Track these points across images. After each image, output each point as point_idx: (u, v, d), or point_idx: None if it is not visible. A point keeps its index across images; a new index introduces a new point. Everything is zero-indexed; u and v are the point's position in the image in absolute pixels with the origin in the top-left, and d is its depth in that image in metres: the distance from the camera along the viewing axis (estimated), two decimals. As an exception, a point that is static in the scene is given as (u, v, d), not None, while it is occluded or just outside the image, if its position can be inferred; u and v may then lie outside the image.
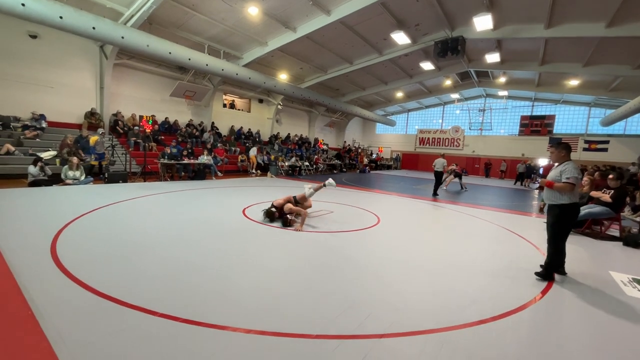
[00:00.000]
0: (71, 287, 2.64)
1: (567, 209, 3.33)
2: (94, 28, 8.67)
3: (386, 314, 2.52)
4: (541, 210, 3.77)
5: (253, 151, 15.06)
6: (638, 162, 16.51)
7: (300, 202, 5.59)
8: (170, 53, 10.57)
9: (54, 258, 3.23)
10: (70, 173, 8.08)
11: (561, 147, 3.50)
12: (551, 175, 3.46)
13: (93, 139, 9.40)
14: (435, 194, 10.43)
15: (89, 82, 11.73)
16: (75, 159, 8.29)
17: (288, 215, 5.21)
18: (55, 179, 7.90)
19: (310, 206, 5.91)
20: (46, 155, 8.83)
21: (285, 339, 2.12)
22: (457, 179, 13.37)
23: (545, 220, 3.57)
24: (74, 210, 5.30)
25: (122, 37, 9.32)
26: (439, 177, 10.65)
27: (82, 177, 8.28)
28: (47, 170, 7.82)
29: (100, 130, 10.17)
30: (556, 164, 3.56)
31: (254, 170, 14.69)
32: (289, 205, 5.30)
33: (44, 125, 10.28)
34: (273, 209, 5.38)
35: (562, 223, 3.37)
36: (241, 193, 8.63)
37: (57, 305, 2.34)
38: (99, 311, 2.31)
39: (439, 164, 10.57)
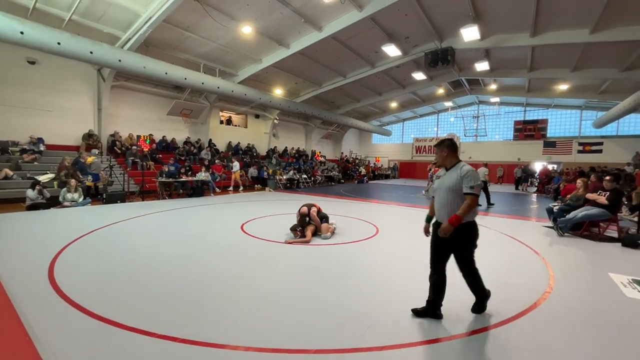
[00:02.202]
0: (69, 311, 2.63)
1: (475, 226, 2.62)
2: (91, 52, 8.86)
3: (386, 325, 2.51)
4: (427, 232, 2.86)
5: (236, 166, 13.54)
6: (633, 162, 16.67)
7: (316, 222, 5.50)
8: (166, 73, 10.77)
9: (52, 282, 3.21)
10: (69, 195, 8.08)
11: (443, 146, 2.70)
12: (445, 183, 2.62)
13: (89, 159, 9.46)
14: (490, 203, 10.23)
15: (87, 105, 11.88)
16: (73, 181, 8.32)
17: (300, 229, 5.22)
18: (53, 202, 7.90)
19: (311, 237, 5.38)
20: (44, 178, 8.85)
21: (285, 355, 2.10)
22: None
23: (439, 241, 2.64)
24: (71, 232, 5.29)
25: (119, 60, 9.52)
26: (483, 188, 10.43)
27: (80, 199, 8.28)
28: (45, 193, 7.83)
29: (95, 151, 10.21)
30: (442, 169, 2.76)
31: (233, 187, 13.15)
32: (316, 219, 5.40)
33: (42, 148, 10.34)
34: (307, 218, 5.43)
35: (473, 243, 2.63)
36: (239, 209, 8.63)
37: (55, 330, 2.33)
38: (98, 335, 2.30)
39: (481, 173, 10.35)
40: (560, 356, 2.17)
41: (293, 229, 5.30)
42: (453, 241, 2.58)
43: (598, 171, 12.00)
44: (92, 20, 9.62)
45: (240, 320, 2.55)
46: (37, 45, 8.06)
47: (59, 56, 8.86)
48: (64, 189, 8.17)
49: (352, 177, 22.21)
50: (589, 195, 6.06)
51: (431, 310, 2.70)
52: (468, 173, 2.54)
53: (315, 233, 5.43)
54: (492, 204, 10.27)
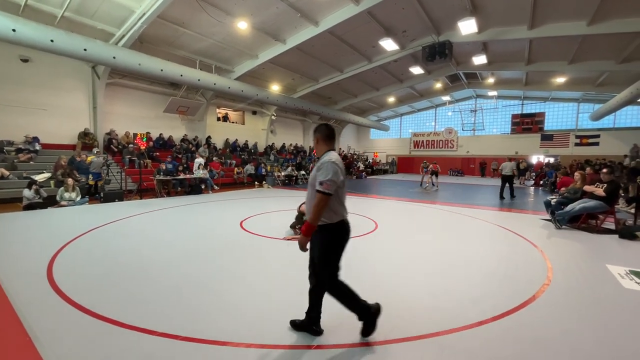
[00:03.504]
0: (69, 311, 2.62)
1: (336, 229, 2.17)
2: (85, 50, 8.75)
3: (386, 320, 2.51)
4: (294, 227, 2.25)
5: (199, 162, 11.98)
6: (630, 155, 16.75)
7: None
8: (162, 70, 10.67)
9: (51, 282, 3.20)
10: (66, 195, 8.03)
11: (316, 133, 2.32)
12: (310, 179, 2.25)
13: (89, 158, 9.41)
14: (502, 197, 10.40)
15: (82, 103, 11.77)
16: (70, 180, 8.26)
17: (299, 226, 5.24)
18: (50, 201, 7.85)
19: None
20: (40, 177, 8.79)
21: (286, 351, 2.11)
22: (433, 177, 14.20)
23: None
24: (69, 232, 5.27)
25: (114, 57, 9.41)
26: (509, 181, 10.56)
27: (78, 198, 8.23)
28: (42, 192, 7.77)
29: (95, 150, 10.15)
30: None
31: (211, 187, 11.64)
32: None
33: (37, 147, 10.26)
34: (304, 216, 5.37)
35: (329, 249, 2.17)
36: (238, 206, 8.62)
37: (55, 330, 2.32)
38: (98, 334, 2.29)
39: (508, 167, 10.52)
40: (559, 348, 2.19)
41: (292, 226, 5.31)
42: (316, 244, 2.18)
43: (594, 164, 12.09)
44: (85, 17, 9.48)
45: (241, 317, 2.55)
46: (29, 42, 7.95)
47: (52, 54, 8.74)
48: (61, 188, 8.11)
49: (350, 173, 22.17)
50: (587, 188, 6.08)
51: (308, 322, 2.31)
52: (322, 165, 2.09)
53: None
54: (503, 199, 10.35)
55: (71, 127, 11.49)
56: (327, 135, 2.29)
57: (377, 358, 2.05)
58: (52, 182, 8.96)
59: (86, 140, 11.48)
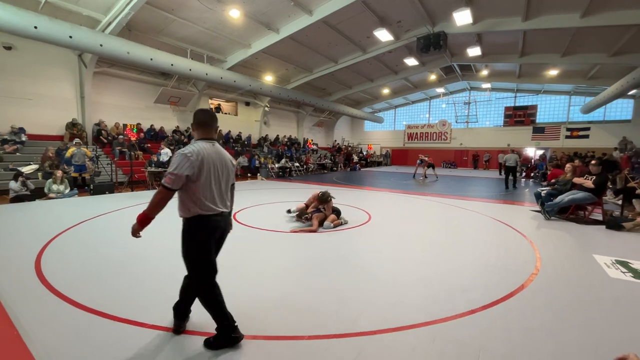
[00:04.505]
0: (58, 304, 2.58)
1: (197, 223, 2.01)
2: (70, 37, 8.46)
3: (378, 310, 2.55)
4: None
5: (166, 154, 10.89)
6: (619, 147, 17.05)
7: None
8: (151, 59, 10.40)
9: (39, 275, 3.14)
10: (55, 187, 7.86)
11: (193, 119, 2.11)
12: None
13: (69, 151, 9.13)
14: (507, 187, 10.80)
15: (69, 92, 11.44)
16: (59, 172, 8.08)
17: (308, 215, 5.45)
18: (38, 194, 7.68)
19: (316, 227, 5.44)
20: (27, 169, 8.57)
21: (278, 342, 2.12)
22: (430, 169, 14.97)
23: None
24: (58, 224, 5.17)
25: (101, 45, 9.12)
26: (513, 172, 10.87)
27: (67, 191, 8.07)
28: (29, 184, 7.59)
29: (76, 141, 9.85)
30: None
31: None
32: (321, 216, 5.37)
33: (23, 138, 9.97)
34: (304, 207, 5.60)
35: (192, 244, 2.03)
36: (232, 197, 8.55)
37: (44, 324, 2.29)
38: (87, 327, 2.27)
39: (512, 159, 10.71)
40: (547, 336, 2.24)
41: (299, 216, 5.52)
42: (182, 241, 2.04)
43: (584, 156, 12.29)
44: (70, 3, 9.11)
45: (234, 309, 2.53)
46: (12, 29, 7.65)
47: (36, 41, 8.43)
48: (49, 180, 7.93)
49: (345, 164, 22.21)
50: (576, 180, 6.18)
51: (227, 335, 2.05)
52: (174, 155, 1.92)
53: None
54: (508, 189, 10.61)
55: (58, 118, 11.18)
56: (201, 121, 2.05)
57: (370, 347, 2.07)
58: (39, 174, 8.76)
59: (74, 131, 11.21)
